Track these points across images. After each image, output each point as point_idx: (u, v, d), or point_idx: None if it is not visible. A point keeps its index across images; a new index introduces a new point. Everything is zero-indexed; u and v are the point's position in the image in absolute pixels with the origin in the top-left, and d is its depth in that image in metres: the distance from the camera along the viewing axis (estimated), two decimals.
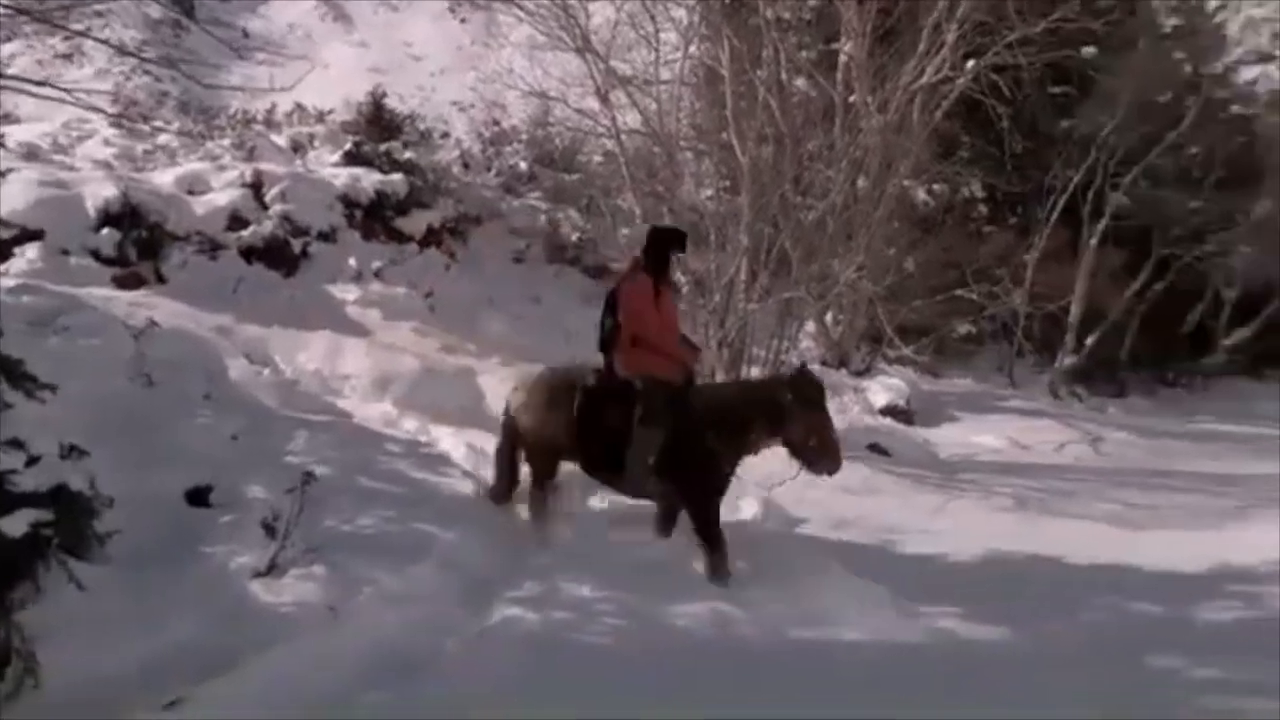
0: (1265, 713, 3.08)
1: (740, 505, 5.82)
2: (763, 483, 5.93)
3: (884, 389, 11.39)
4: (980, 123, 13.58)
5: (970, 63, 12.01)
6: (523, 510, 5.15)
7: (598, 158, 14.89)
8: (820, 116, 12.36)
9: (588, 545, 4.81)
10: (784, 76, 12.15)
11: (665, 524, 4.86)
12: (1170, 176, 16.52)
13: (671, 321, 4.87)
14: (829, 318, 13.21)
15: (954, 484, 7.94)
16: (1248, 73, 25.50)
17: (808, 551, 4.85)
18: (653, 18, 10.47)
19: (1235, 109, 22.31)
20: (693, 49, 11.37)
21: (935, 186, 14.62)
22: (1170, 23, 23.52)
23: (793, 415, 4.48)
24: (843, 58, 12.75)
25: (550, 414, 4.76)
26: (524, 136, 16.23)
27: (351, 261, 11.44)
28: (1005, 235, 14.84)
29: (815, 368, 12.65)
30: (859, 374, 12.54)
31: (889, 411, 10.98)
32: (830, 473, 4.56)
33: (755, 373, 9.33)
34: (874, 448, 9.08)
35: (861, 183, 11.94)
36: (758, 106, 10.60)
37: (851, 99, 12.26)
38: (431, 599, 4.04)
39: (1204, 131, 16.70)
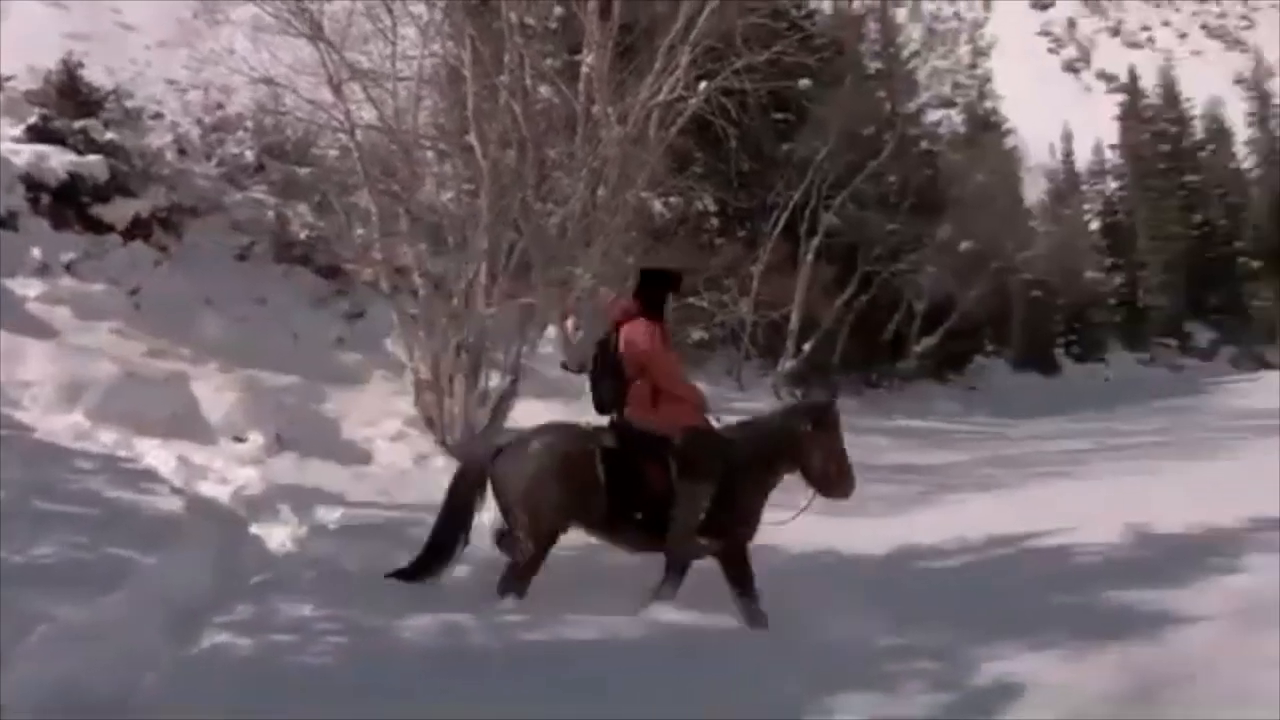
0: (939, 672, 3.50)
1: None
2: None
3: None
4: (712, 141, 14.46)
5: (702, 84, 12.74)
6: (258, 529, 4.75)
7: (333, 152, 14.14)
8: (562, 125, 12.57)
9: (313, 562, 4.55)
10: (528, 82, 12.22)
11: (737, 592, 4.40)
12: (872, 201, 18.58)
13: (677, 366, 4.51)
14: (570, 323, 13.45)
15: None
16: (934, 115, 29.35)
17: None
18: (390, 11, 10.12)
19: (924, 145, 25.53)
20: (436, 47, 11.13)
21: (671, 199, 15.35)
22: (873, 65, 26.46)
23: (813, 444, 4.38)
24: (584, 69, 13.04)
25: (562, 484, 4.09)
26: (249, 124, 15.06)
27: (36, 252, 10.05)
28: (734, 247, 15.93)
29: (556, 372, 12.93)
30: None
31: None
32: (847, 495, 4.50)
33: (495, 377, 9.31)
34: None
35: (601, 191, 12.28)
36: (500, 110, 10.57)
37: (593, 110, 12.58)
38: (126, 631, 3.62)
39: (899, 163, 18.95)
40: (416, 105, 10.31)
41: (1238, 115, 61.53)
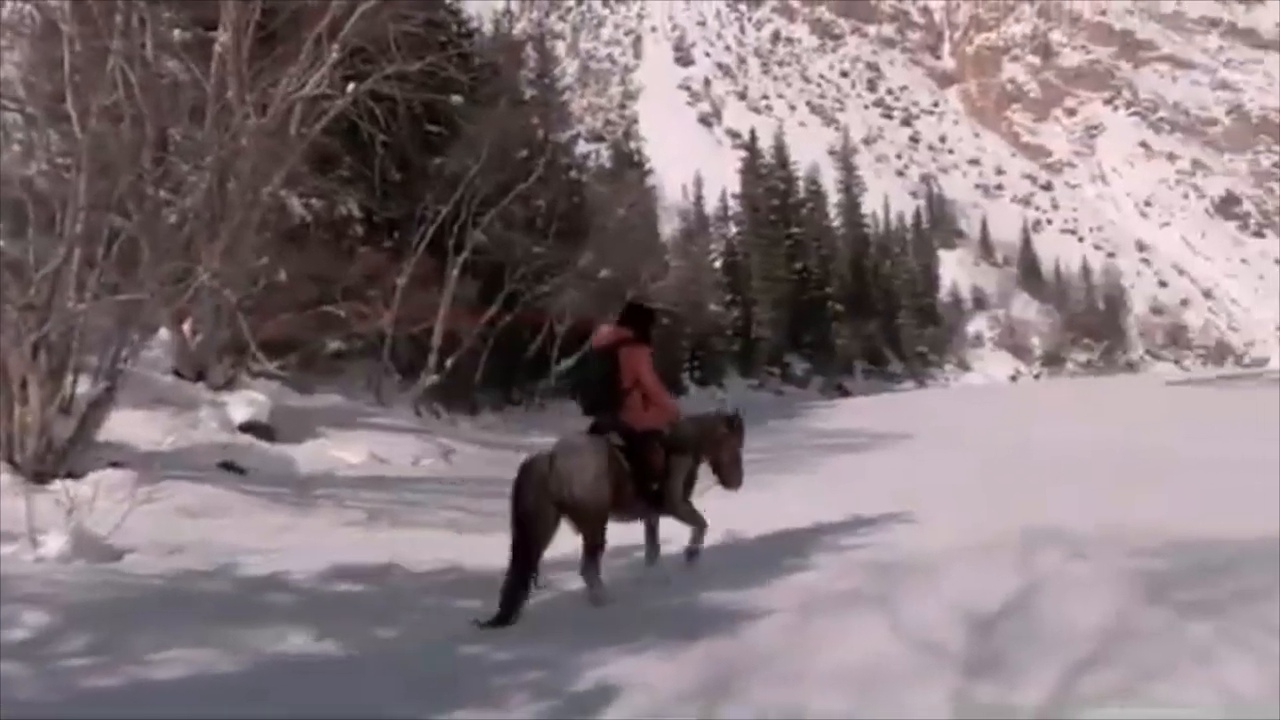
0: (544, 681, 3.62)
1: (42, 540, 4.93)
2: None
3: (245, 404, 10.83)
4: (359, 145, 13.91)
5: (351, 85, 12.24)
6: None
7: None
8: (190, 107, 11.41)
9: None
10: (148, 52, 10.93)
11: (654, 541, 5.46)
12: (520, 223, 19.05)
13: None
14: (187, 326, 12.11)
15: (309, 500, 7.88)
16: (585, 147, 30.93)
17: (126, 590, 4.30)
18: None
19: (573, 174, 26.81)
20: None
21: (312, 200, 14.51)
22: (529, 92, 27.33)
23: (726, 442, 5.59)
24: (218, 48, 11.93)
25: (610, 477, 4.88)
26: None
27: None
28: (378, 257, 15.40)
29: (168, 379, 11.58)
30: (219, 388, 11.73)
31: (249, 428, 10.46)
32: (737, 488, 5.66)
33: (84, 381, 8.10)
34: (227, 466, 8.54)
35: (231, 184, 11.27)
36: (109, 78, 9.29)
37: (227, 95, 11.53)
38: None
39: (548, 188, 19.63)
40: None
41: (830, 181, 72.54)
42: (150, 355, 11.66)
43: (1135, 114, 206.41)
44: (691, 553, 5.45)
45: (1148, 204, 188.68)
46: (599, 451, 4.94)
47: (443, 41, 15.74)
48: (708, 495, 5.78)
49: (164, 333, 12.15)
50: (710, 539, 6.39)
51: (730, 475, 5.67)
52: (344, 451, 10.95)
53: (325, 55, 11.58)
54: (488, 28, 28.33)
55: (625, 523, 5.28)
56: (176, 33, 12.66)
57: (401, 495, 8.57)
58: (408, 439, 12.72)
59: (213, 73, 11.66)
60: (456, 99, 15.42)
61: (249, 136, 11.16)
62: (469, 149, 16.64)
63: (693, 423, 5.68)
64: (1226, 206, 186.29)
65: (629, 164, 37.47)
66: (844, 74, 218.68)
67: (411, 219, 16.48)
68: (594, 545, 4.89)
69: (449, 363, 17.13)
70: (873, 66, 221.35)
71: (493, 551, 6.14)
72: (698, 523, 5.49)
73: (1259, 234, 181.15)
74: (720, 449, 5.62)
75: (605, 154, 42.36)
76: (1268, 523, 5.03)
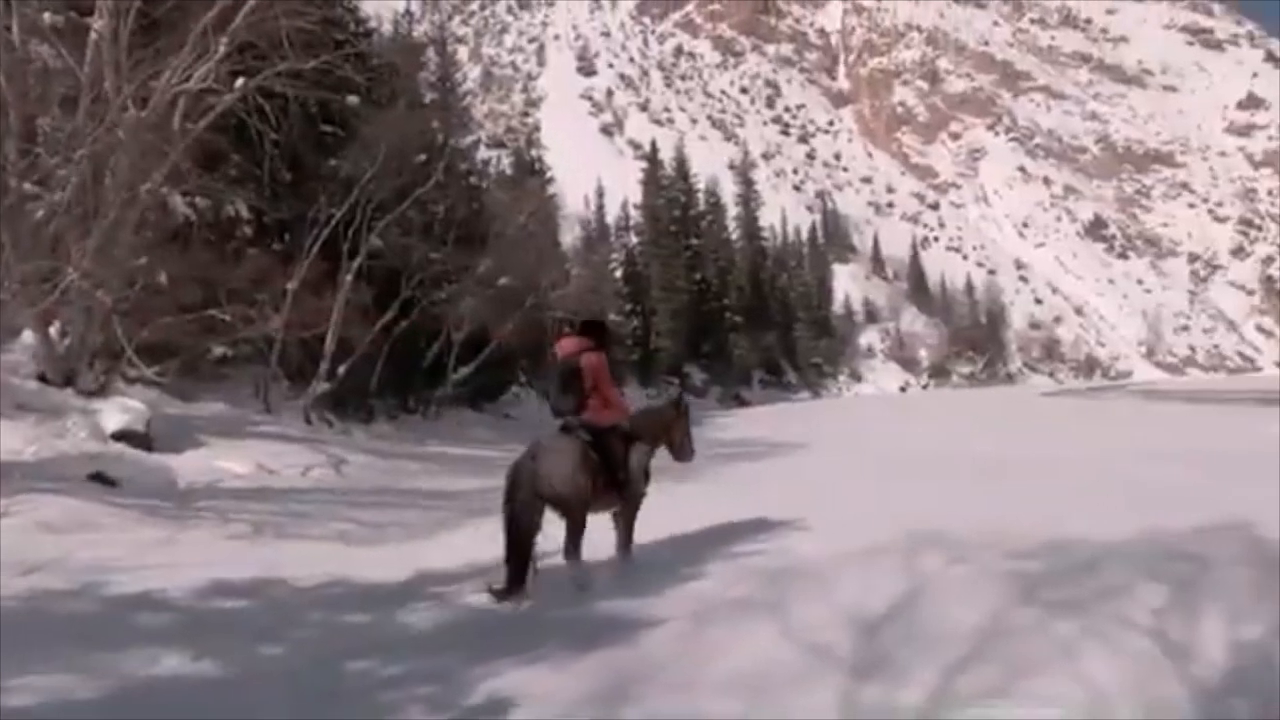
0: (437, 694, 3.53)
1: None
2: None
3: (119, 411, 10.23)
4: (249, 143, 13.39)
5: (239, 81, 11.79)
6: None
7: None
8: (62, 96, 10.78)
9: None
10: (15, 36, 10.31)
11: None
12: (418, 228, 18.60)
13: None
14: (54, 329, 11.38)
15: (189, 513, 7.51)
16: (486, 153, 30.45)
17: None
18: None
19: (472, 180, 26.48)
20: None
21: (197, 199, 13.86)
22: (428, 95, 26.89)
23: (676, 424, 6.22)
24: (94, 34, 11.30)
25: (585, 471, 5.39)
26: None
27: None
28: (267, 259, 14.78)
29: (32, 384, 10.84)
30: (90, 394, 11.05)
31: (123, 436, 9.88)
32: (690, 460, 6.29)
33: None
34: (97, 477, 8.05)
35: (107, 180, 10.68)
36: None
37: (105, 85, 10.93)
38: None
39: (447, 193, 19.25)
40: None
41: (730, 195, 73.89)
42: (11, 359, 10.91)
43: (1014, 139, 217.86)
44: (623, 555, 5.87)
45: (1025, 225, 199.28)
46: (573, 448, 5.54)
47: (339, 40, 15.33)
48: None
49: (28, 335, 11.39)
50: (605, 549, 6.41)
51: (683, 450, 6.38)
52: (229, 462, 10.46)
53: (213, 48, 11.13)
54: (387, 28, 27.73)
55: (599, 513, 5.70)
56: (47, 16, 11.93)
57: (289, 507, 8.26)
58: (297, 448, 12.25)
59: (88, 60, 11.06)
60: (353, 99, 14.99)
61: (127, 129, 10.61)
62: (365, 151, 16.14)
63: (645, 414, 6.34)
64: (1095, 229, 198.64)
65: (530, 171, 37.25)
66: (744, 90, 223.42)
67: (304, 221, 15.86)
68: (577, 531, 5.40)
69: (342, 370, 16.56)
70: (772, 84, 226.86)
71: (382, 564, 6.00)
72: (631, 529, 5.97)
73: (1123, 256, 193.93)
74: (673, 430, 6.32)
75: (506, 161, 42.02)
76: (1128, 524, 5.37)
